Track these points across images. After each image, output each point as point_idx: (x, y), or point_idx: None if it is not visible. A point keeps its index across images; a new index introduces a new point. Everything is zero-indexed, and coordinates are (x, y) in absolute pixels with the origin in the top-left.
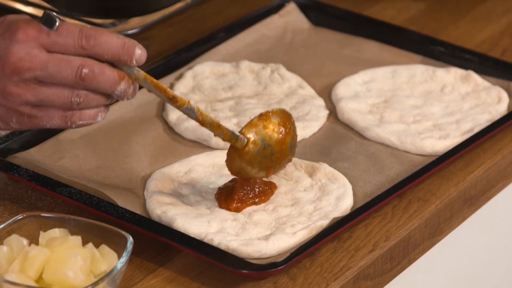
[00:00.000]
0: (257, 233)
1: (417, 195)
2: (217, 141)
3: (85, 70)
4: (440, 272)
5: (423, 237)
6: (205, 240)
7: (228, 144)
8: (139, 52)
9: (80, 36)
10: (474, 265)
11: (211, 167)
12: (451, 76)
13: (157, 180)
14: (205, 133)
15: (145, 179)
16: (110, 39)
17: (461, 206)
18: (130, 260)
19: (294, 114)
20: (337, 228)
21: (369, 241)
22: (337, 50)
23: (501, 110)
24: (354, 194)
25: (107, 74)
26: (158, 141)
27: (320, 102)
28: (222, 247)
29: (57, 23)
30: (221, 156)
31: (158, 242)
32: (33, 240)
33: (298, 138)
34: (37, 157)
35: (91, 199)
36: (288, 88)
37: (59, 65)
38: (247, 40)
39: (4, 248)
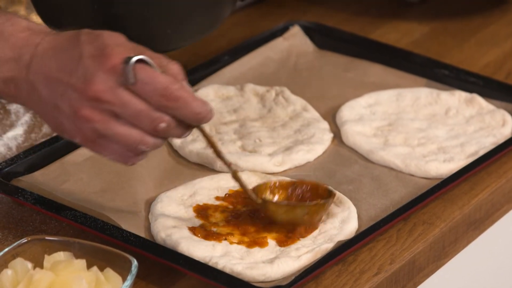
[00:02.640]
0: (261, 256)
1: (422, 218)
2: (221, 164)
3: (162, 125)
4: None
5: (428, 260)
6: (210, 264)
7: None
8: (209, 119)
9: (163, 94)
10: None
11: (215, 190)
12: (456, 99)
13: (162, 203)
14: (210, 156)
15: (149, 202)
16: (190, 105)
17: (466, 229)
18: (134, 284)
19: (298, 137)
20: (341, 251)
21: (373, 265)
22: (342, 73)
23: (505, 133)
24: (359, 217)
25: (179, 130)
26: (163, 164)
27: (325, 125)
28: (227, 270)
29: (136, 77)
30: (225, 179)
31: (162, 265)
32: (38, 263)
33: (303, 162)
34: (42, 180)
35: (95, 222)
36: (292, 111)
37: (139, 111)
38: (251, 63)
39: (9, 271)
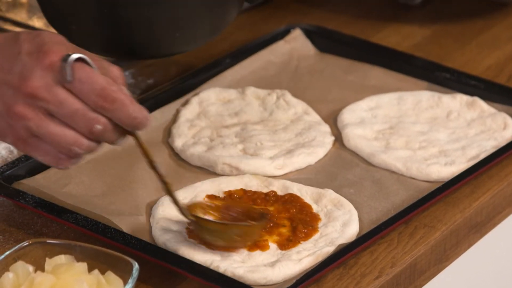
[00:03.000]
0: (263, 259)
1: (423, 222)
2: (222, 167)
3: (98, 126)
4: None
5: (429, 263)
6: (211, 267)
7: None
8: (145, 126)
9: (100, 94)
10: None
11: (216, 193)
12: (457, 103)
13: (163, 206)
14: (211, 160)
15: (151, 206)
16: (127, 108)
17: (467, 232)
18: (136, 287)
19: (299, 140)
20: (343, 255)
21: (375, 268)
22: (343, 76)
23: (507, 136)
24: (360, 221)
25: (114, 135)
26: (164, 168)
27: (326, 128)
28: (228, 274)
29: (74, 75)
30: (226, 183)
31: (164, 268)
32: (39, 266)
33: (304, 165)
34: (43, 183)
35: (97, 226)
36: (293, 114)
37: (75, 111)
38: (253, 66)
39: (10, 275)
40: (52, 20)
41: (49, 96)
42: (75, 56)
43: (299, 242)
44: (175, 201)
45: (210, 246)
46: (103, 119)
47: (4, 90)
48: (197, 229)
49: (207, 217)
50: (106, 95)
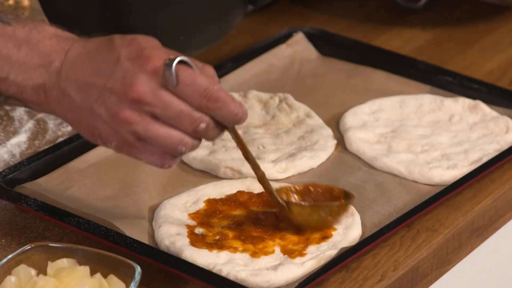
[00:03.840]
0: (265, 263)
1: (425, 225)
2: (225, 171)
3: (202, 125)
4: None
5: (432, 267)
6: (214, 271)
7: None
8: (244, 119)
9: (204, 95)
10: None
11: (219, 197)
12: (459, 106)
13: (166, 210)
14: (213, 163)
15: (153, 209)
16: (229, 105)
17: (469, 236)
18: None
19: (302, 143)
20: (345, 258)
21: (377, 271)
22: (345, 79)
23: (509, 140)
24: (362, 224)
25: (215, 131)
26: (166, 171)
27: (328, 131)
28: (231, 277)
29: (178, 78)
30: (228, 186)
31: (166, 272)
32: (41, 270)
33: (306, 168)
34: (45, 187)
35: (99, 229)
36: (296, 118)
37: (180, 112)
38: (255, 69)
39: (12, 278)
40: (55, 24)
41: (154, 100)
42: (178, 59)
43: (304, 252)
44: (270, 189)
45: (302, 229)
46: (206, 118)
47: (106, 96)
48: (289, 214)
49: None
50: (210, 95)
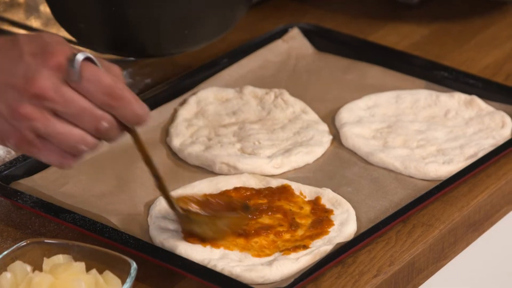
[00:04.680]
0: (260, 258)
1: (421, 220)
2: (220, 166)
3: (104, 124)
4: None
5: (427, 262)
6: (208, 266)
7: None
8: (146, 122)
9: (107, 93)
10: None
11: (214, 192)
12: (455, 101)
13: (161, 206)
14: (209, 159)
15: (149, 205)
16: (133, 105)
17: (465, 231)
18: (134, 286)
19: (298, 139)
20: (341, 253)
21: (373, 266)
22: (341, 75)
23: (505, 135)
24: (358, 219)
25: (117, 132)
26: (162, 167)
27: (324, 127)
28: (226, 272)
29: (82, 74)
30: (224, 182)
31: (162, 268)
32: (37, 266)
33: (302, 164)
34: (41, 183)
35: (94, 225)
36: (291, 113)
37: (82, 109)
38: (250, 65)
39: (8, 274)
40: (60, 18)
41: (56, 96)
42: (82, 55)
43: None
44: (167, 197)
45: (200, 239)
46: (109, 117)
47: (7, 92)
48: (186, 222)
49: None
50: (113, 93)
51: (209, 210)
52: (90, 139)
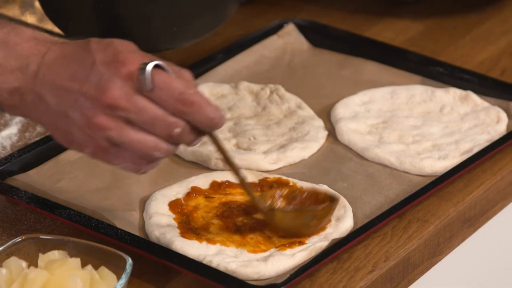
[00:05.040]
0: (256, 254)
1: (417, 216)
2: (216, 162)
3: (177, 130)
4: None
5: (423, 257)
6: (204, 262)
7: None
8: (221, 124)
9: (179, 99)
10: (474, 286)
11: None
12: (450, 97)
13: (156, 201)
14: (204, 154)
15: (144, 201)
16: (205, 110)
17: (461, 226)
18: (129, 282)
19: (293, 135)
20: (336, 249)
21: (368, 262)
22: (336, 71)
23: (500, 130)
24: (354, 215)
25: (191, 136)
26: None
27: (319, 122)
28: (221, 268)
29: (153, 82)
30: (219, 177)
31: (157, 263)
32: (32, 262)
33: (297, 159)
34: (36, 179)
35: (90, 221)
36: (287, 109)
37: (155, 117)
38: (246, 61)
39: (3, 270)
40: (50, 14)
41: (129, 106)
42: (153, 63)
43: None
44: (251, 194)
45: (283, 235)
46: (181, 123)
47: (82, 101)
48: (271, 218)
49: (276, 205)
50: (185, 99)
51: (296, 205)
52: (163, 145)
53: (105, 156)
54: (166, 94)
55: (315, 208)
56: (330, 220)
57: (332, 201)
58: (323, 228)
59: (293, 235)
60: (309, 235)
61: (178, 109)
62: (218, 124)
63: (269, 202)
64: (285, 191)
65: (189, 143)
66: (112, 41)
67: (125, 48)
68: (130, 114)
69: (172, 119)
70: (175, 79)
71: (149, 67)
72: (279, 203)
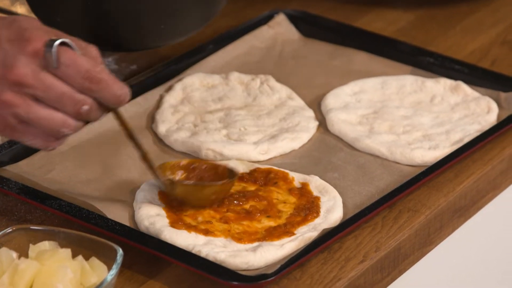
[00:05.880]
0: (245, 244)
1: (407, 206)
2: (206, 153)
3: (85, 107)
4: (430, 282)
5: (413, 247)
6: (193, 251)
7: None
8: (126, 101)
9: (86, 77)
10: (464, 276)
11: None
12: (441, 87)
13: (146, 191)
14: (195, 145)
15: (134, 191)
16: (112, 87)
17: (451, 216)
18: (120, 273)
19: (284, 125)
20: (327, 239)
21: (359, 252)
22: (327, 61)
23: (490, 120)
24: (344, 205)
25: (98, 113)
26: (148, 153)
27: (310, 113)
28: (210, 258)
29: (59, 60)
30: None
31: (148, 254)
32: (23, 253)
33: (288, 149)
34: (27, 169)
35: (80, 212)
36: (277, 99)
37: (62, 94)
38: (236, 51)
39: None
40: (37, 12)
41: (36, 83)
42: (58, 41)
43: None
44: (151, 167)
45: (183, 206)
46: (89, 100)
47: None
48: (171, 191)
49: (176, 177)
50: (92, 76)
51: (195, 176)
52: (71, 122)
53: (13, 133)
54: (72, 72)
55: (215, 183)
56: (318, 206)
57: (231, 176)
58: (311, 213)
59: (195, 207)
60: (210, 207)
61: (85, 87)
62: (124, 101)
63: (168, 173)
64: (184, 162)
65: (95, 120)
66: (16, 18)
67: (30, 25)
68: (37, 91)
69: (79, 96)
70: (81, 57)
71: (55, 44)
72: (179, 174)
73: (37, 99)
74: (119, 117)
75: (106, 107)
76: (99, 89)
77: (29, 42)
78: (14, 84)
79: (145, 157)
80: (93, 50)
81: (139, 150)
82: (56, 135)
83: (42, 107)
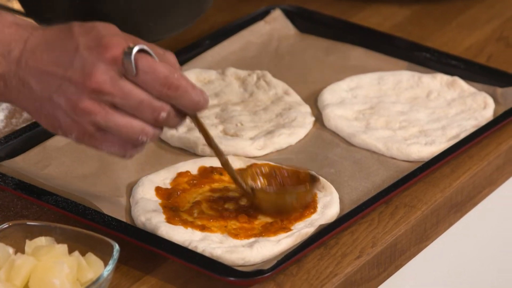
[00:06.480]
0: (241, 240)
1: (404, 201)
2: (203, 148)
3: (163, 114)
4: (427, 278)
5: (410, 243)
6: (190, 247)
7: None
8: (206, 107)
9: (164, 83)
10: (461, 271)
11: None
12: (437, 82)
13: (143, 187)
14: (191, 141)
15: (131, 187)
16: (190, 93)
17: (448, 212)
18: (116, 268)
19: (280, 120)
20: (323, 235)
21: (355, 248)
22: (323, 56)
23: (487, 116)
24: (340, 201)
25: (176, 120)
26: (145, 149)
27: (306, 108)
28: (206, 254)
29: (138, 67)
30: (208, 163)
31: (145, 250)
32: (19, 248)
33: (284, 145)
34: (23, 165)
35: (77, 207)
36: (274, 95)
37: (140, 101)
38: (233, 47)
39: None
40: (27, 9)
41: (114, 90)
42: (137, 48)
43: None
44: (232, 174)
45: (265, 215)
46: (167, 107)
47: (66, 86)
48: (254, 199)
49: (258, 185)
50: (170, 83)
51: (275, 182)
52: (150, 129)
53: (90, 141)
54: (151, 78)
55: (296, 189)
56: (315, 202)
57: (313, 181)
58: (308, 209)
59: (276, 215)
60: (292, 214)
61: (163, 94)
62: (203, 107)
63: (249, 180)
64: (266, 169)
65: (174, 126)
66: (94, 24)
67: (108, 32)
68: (116, 98)
69: (157, 103)
70: (160, 63)
71: (134, 51)
72: (260, 182)
73: (115, 107)
74: (198, 124)
75: (184, 113)
76: (178, 96)
77: (108, 49)
78: (92, 91)
79: (226, 165)
80: (171, 56)
81: (220, 157)
82: (134, 143)
83: (120, 114)
